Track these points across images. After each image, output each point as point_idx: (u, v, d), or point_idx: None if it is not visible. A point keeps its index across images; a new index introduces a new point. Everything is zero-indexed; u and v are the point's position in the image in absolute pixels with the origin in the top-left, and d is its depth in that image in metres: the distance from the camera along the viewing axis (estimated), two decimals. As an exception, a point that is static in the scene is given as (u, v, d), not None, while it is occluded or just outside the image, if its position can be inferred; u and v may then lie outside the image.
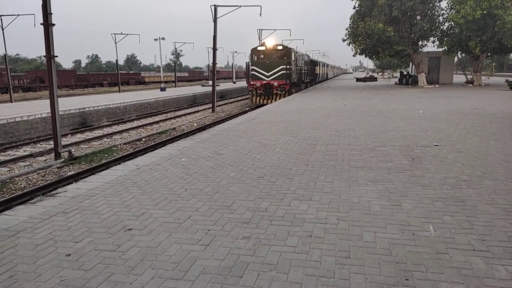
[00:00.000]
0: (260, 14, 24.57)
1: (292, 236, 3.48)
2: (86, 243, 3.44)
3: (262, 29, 34.01)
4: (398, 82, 35.13)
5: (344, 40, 28.76)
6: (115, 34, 39.38)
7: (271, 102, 21.29)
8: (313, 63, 37.38)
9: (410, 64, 34.52)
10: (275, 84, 21.93)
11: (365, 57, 31.99)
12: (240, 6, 21.07)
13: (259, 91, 22.37)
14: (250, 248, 3.26)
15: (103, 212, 4.18)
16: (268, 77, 22.16)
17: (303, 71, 29.19)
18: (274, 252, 3.18)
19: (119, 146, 12.86)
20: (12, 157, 11.41)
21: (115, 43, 39.62)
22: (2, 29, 27.53)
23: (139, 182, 5.32)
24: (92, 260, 3.12)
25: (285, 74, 22.05)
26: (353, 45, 27.74)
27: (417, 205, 4.20)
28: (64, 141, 12.84)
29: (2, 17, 27.28)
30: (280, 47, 22.88)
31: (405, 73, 35.37)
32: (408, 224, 3.70)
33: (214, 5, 19.78)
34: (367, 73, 65.03)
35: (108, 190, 4.96)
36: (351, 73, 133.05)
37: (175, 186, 5.06)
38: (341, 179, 5.24)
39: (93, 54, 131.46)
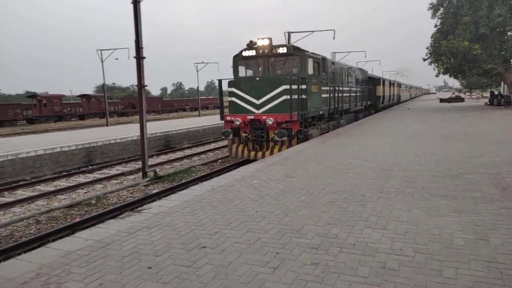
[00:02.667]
0: (334, 38, 24.52)
1: (363, 266, 3.36)
2: (166, 257, 3.71)
3: (335, 52, 33.78)
4: (488, 103, 31.99)
5: (425, 60, 27.26)
6: (197, 63, 42.54)
7: (262, 155, 11.81)
8: (373, 82, 25.78)
9: (502, 83, 31.25)
10: (270, 121, 11.57)
11: (450, 76, 29.83)
12: (313, 31, 21.28)
13: (244, 135, 12.43)
14: (319, 275, 3.22)
15: (181, 229, 4.48)
16: (258, 107, 12.12)
17: (351, 94, 18.70)
18: (343, 281, 3.11)
19: (197, 167, 13.64)
20: (106, 175, 12.78)
21: (197, 71, 42.73)
22: (102, 62, 31.45)
23: (214, 202, 5.59)
24: (170, 274, 3.36)
25: (290, 102, 11.53)
26: (435, 64, 26.12)
27: (507, 240, 3.77)
28: (150, 161, 14.00)
29: (102, 51, 31.23)
30: (283, 50, 12.28)
31: (496, 93, 32.11)
32: (496, 261, 3.34)
33: (288, 32, 20.33)
34: (453, 93, 60.30)
35: (186, 209, 5.30)
36: (434, 93, 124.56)
37: (247, 208, 5.22)
38: (419, 208, 4.92)
39: (177, 82, 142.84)
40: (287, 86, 11.52)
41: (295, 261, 3.51)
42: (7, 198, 10.26)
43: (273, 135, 11.70)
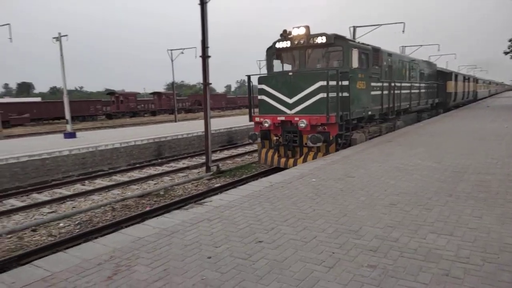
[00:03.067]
0: (403, 31, 23.22)
1: (425, 272, 3.22)
2: (224, 249, 3.89)
3: (405, 46, 31.95)
4: None
5: (506, 53, 24.71)
6: (259, 60, 43.15)
7: (294, 163, 10.29)
8: (443, 76, 22.71)
9: None
10: (302, 124, 9.96)
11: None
12: (381, 25, 20.35)
13: (275, 138, 10.95)
14: (375, 278, 3.16)
15: (239, 223, 4.65)
16: (291, 106, 10.59)
17: (413, 91, 16.61)
18: (401, 286, 3.01)
19: (257, 163, 13.89)
20: (173, 168, 13.58)
21: (259, 68, 43.32)
22: (172, 61, 33.25)
23: (271, 198, 5.69)
24: (227, 264, 3.52)
25: (327, 101, 9.86)
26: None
27: None
28: (214, 156, 14.55)
29: (172, 51, 33.02)
30: (322, 39, 10.53)
31: None
32: None
33: (353, 27, 19.71)
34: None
35: (245, 203, 5.47)
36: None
37: (304, 205, 5.23)
38: (492, 215, 4.54)
39: (241, 79, 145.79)
40: (324, 82, 9.84)
41: (351, 262, 3.46)
42: (87, 186, 11.40)
43: (306, 140, 10.11)
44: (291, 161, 10.56)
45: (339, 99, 9.96)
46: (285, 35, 11.01)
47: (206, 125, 12.36)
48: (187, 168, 13.58)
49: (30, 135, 24.39)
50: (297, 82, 10.41)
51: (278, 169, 9.88)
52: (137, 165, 14.28)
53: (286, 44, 11.05)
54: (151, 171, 13.40)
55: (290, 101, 10.52)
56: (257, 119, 11.10)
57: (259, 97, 11.19)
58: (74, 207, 9.24)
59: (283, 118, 10.49)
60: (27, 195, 10.49)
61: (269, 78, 11.19)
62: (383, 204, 5.13)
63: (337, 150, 10.17)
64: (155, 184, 11.48)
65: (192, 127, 21.09)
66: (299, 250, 3.78)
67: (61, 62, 18.59)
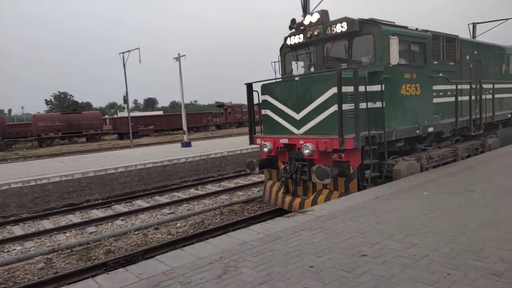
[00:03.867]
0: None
1: None
2: (326, 259, 3.87)
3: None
4: None
5: None
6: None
7: (300, 205, 7.76)
8: None
9: None
10: (306, 150, 7.13)
11: None
12: (507, 19, 17.68)
13: (282, 167, 8.45)
14: (501, 307, 2.78)
15: (341, 234, 4.56)
16: (298, 124, 7.75)
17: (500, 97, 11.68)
18: (535, 320, 2.59)
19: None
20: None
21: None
22: (275, 73, 34.37)
23: (377, 210, 5.43)
24: (330, 275, 3.49)
25: (340, 116, 6.76)
26: None
27: None
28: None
29: (275, 63, 34.11)
30: (342, 27, 7.68)
31: None
32: None
33: (473, 23, 17.63)
34: None
35: (347, 214, 5.34)
36: None
37: (414, 220, 4.87)
38: None
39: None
40: (334, 89, 6.83)
41: (470, 286, 3.11)
42: (200, 191, 12.47)
43: (315, 177, 7.01)
44: (297, 201, 7.92)
45: (359, 113, 6.80)
46: (293, 26, 8.40)
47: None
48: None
49: (153, 144, 27.76)
50: (306, 90, 7.53)
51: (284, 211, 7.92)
52: (242, 173, 15.06)
53: (299, 38, 8.45)
54: (255, 178, 13.99)
55: (298, 116, 7.68)
56: (258, 141, 8.58)
57: (263, 111, 8.59)
58: (189, 210, 10.20)
59: (286, 141, 7.78)
60: (151, 197, 11.96)
61: (273, 87, 8.38)
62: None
63: (363, 187, 7.16)
64: (258, 191, 11.96)
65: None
66: (408, 268, 3.54)
67: (180, 79, 20.84)
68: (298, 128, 7.71)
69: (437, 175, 7.64)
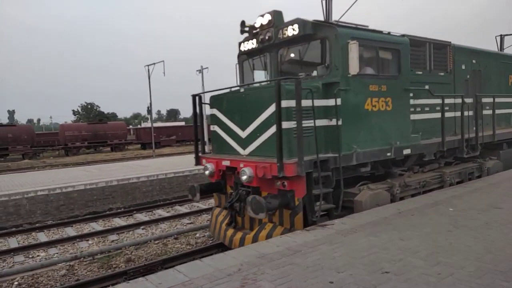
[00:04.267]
0: None
1: None
2: (347, 275, 3.79)
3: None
4: None
5: None
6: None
7: (241, 242, 6.44)
8: None
9: None
10: (243, 175, 5.94)
11: None
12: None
13: (230, 192, 7.26)
14: (532, 332, 2.64)
15: (362, 250, 4.47)
16: (244, 143, 6.62)
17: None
18: None
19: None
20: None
21: None
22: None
23: (399, 226, 5.30)
24: (349, 292, 3.42)
25: (279, 136, 5.58)
26: None
27: None
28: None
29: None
30: (293, 30, 6.52)
31: None
32: None
33: (500, 35, 17.20)
34: None
35: (368, 230, 5.23)
36: None
37: (438, 237, 4.72)
38: None
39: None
40: (283, 103, 5.67)
41: (498, 308, 2.98)
42: (220, 202, 12.50)
43: (252, 209, 5.75)
44: (238, 236, 6.61)
45: (302, 132, 5.59)
46: (244, 30, 7.28)
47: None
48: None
49: (175, 155, 28.15)
50: (250, 104, 6.45)
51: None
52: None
53: (252, 44, 7.37)
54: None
55: (243, 134, 6.57)
56: (203, 161, 7.43)
57: (211, 127, 7.50)
58: (208, 220, 10.23)
59: (228, 163, 6.64)
60: (172, 207, 12.09)
61: (221, 99, 7.21)
62: (544, 244, 4.27)
63: (311, 222, 5.93)
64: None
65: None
66: (432, 286, 3.43)
67: (202, 90, 21.22)
68: (244, 148, 6.60)
69: (461, 191, 7.40)
